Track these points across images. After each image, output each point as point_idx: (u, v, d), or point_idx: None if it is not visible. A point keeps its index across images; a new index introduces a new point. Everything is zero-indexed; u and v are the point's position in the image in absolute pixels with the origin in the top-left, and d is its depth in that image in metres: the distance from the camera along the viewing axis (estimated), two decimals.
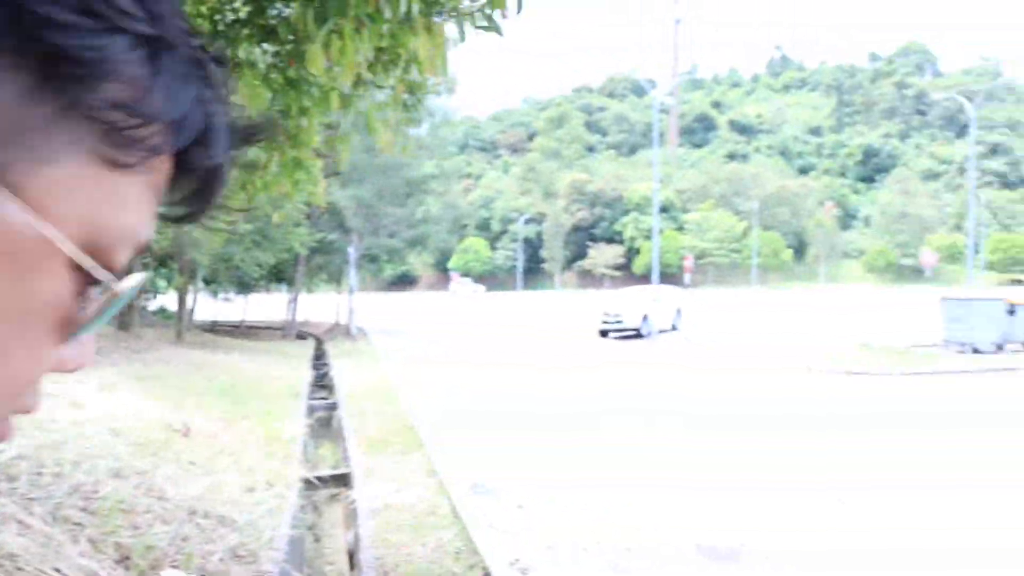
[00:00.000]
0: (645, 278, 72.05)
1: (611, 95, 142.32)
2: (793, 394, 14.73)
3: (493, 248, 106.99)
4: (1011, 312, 21.34)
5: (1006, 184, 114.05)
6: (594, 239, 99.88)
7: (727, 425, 10.99)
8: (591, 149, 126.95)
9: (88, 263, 0.40)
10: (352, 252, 31.58)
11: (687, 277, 32.16)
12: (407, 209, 33.89)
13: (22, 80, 0.35)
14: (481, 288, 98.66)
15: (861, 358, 19.36)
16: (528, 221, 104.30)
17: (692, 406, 12.91)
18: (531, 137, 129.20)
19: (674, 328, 30.65)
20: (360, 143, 29.21)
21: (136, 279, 0.43)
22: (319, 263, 32.75)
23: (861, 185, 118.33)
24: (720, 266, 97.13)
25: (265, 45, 4.07)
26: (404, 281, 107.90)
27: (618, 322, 28.80)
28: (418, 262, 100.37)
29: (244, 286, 32.94)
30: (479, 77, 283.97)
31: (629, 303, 29.79)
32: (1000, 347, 21.32)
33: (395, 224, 33.51)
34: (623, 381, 16.21)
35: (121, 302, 0.42)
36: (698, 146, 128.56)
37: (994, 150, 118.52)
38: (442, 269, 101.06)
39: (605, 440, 9.77)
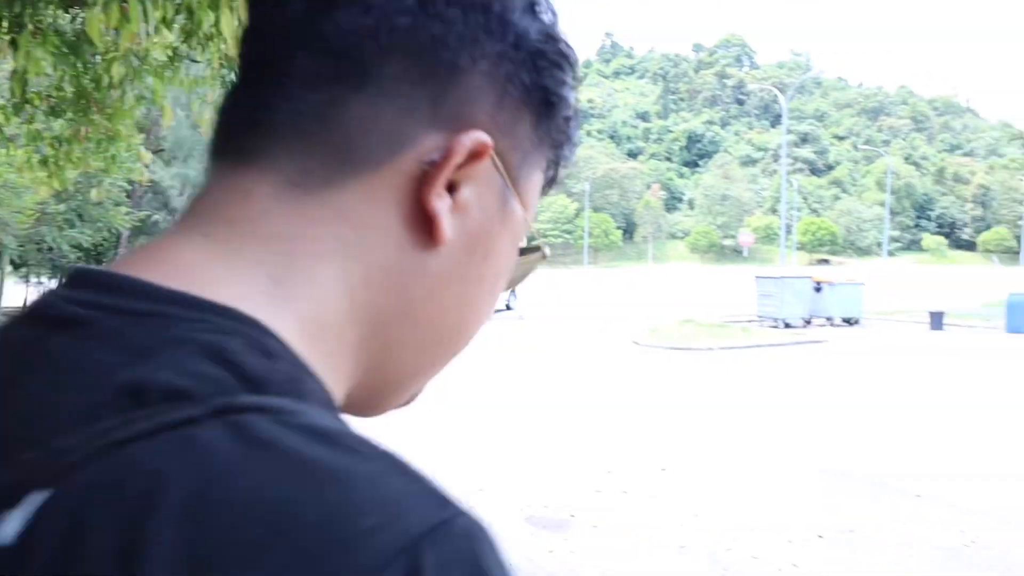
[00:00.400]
0: None
1: None
2: (620, 368, 15.32)
3: None
4: (817, 289, 23.03)
5: (814, 171, 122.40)
6: None
7: (555, 403, 11.32)
8: None
9: (540, 241, 0.64)
10: None
11: None
12: None
13: (529, 119, 0.48)
14: None
15: (684, 333, 20.34)
16: None
17: (522, 383, 13.19)
18: None
19: (508, 307, 31.00)
20: (186, 119, 27.93)
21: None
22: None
23: (685, 169, 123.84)
24: (553, 246, 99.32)
25: (74, 10, 3.84)
26: None
27: None
28: None
29: (59, 269, 30.84)
30: None
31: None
32: (808, 321, 22.96)
33: None
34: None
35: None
36: None
37: (804, 139, 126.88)
38: None
39: (425, 418, 9.84)
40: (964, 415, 10.48)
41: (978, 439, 9.11)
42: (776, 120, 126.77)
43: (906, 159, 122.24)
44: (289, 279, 0.43)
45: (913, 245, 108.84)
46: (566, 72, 0.51)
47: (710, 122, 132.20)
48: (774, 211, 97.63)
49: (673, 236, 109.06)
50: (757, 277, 24.45)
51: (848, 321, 23.30)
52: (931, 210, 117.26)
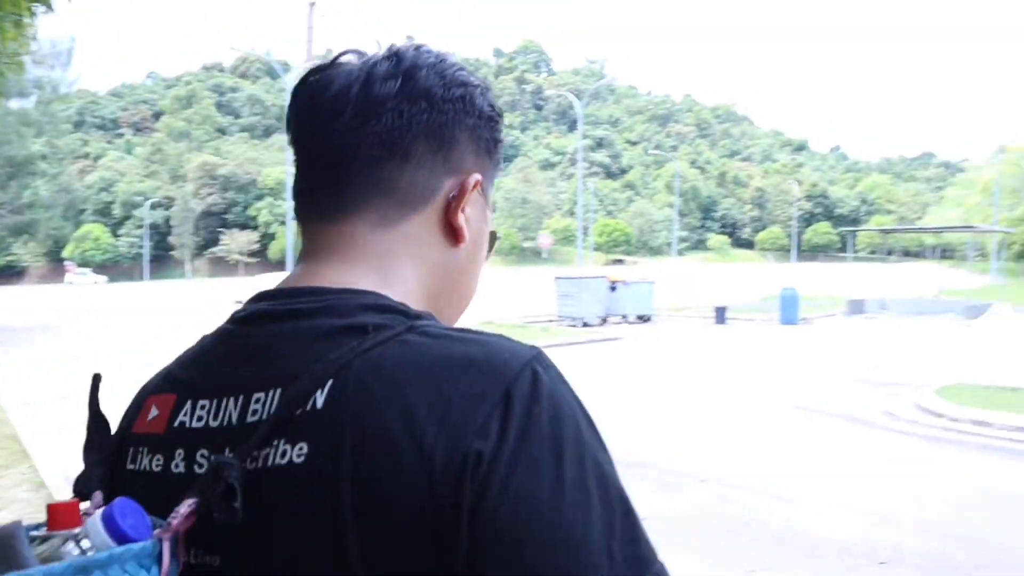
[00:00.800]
0: (281, 264, 70.74)
1: (244, 76, 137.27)
2: None
3: (115, 235, 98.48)
4: (612, 289, 24.05)
5: (609, 174, 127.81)
6: (227, 225, 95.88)
7: None
8: (223, 131, 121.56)
9: (496, 235, 0.91)
10: None
11: None
12: (9, 192, 30.19)
13: (489, 158, 0.85)
14: (102, 279, 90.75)
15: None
16: (155, 206, 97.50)
17: None
18: (157, 116, 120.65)
19: None
20: None
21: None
22: None
23: None
24: None
25: None
26: (10, 273, 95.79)
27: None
28: (26, 252, 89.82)
29: None
30: (98, 48, 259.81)
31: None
32: (604, 319, 23.93)
33: None
34: None
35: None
36: None
37: (600, 143, 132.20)
38: (57, 259, 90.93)
39: None
40: (744, 403, 11.32)
41: (758, 426, 9.86)
42: (573, 125, 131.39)
43: (692, 163, 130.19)
44: (389, 278, 0.77)
45: (700, 244, 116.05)
46: (501, 124, 0.85)
47: (510, 127, 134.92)
48: (572, 213, 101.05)
49: None
50: (556, 278, 25.25)
51: (641, 318, 24.50)
52: (715, 211, 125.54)
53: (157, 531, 0.61)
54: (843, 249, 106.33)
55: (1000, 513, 6.22)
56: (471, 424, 0.61)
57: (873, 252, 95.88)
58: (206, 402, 0.71)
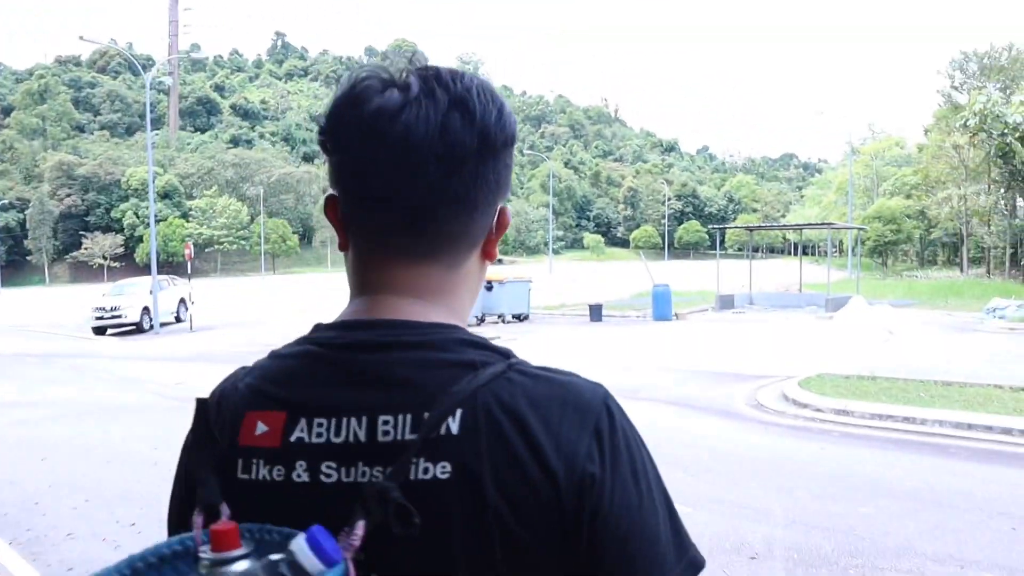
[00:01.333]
0: (148, 268, 67.20)
1: (103, 71, 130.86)
2: None
3: None
4: (489, 288, 23.97)
5: None
6: (89, 227, 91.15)
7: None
8: (81, 128, 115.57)
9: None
10: None
11: (189, 265, 30.76)
12: None
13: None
14: None
15: None
16: (5, 207, 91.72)
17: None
18: (7, 112, 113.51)
19: (178, 319, 29.29)
20: None
21: None
22: None
23: None
24: (229, 253, 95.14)
25: None
26: None
27: (115, 316, 26.79)
28: None
29: None
30: None
31: (127, 296, 27.87)
32: (481, 319, 23.83)
33: None
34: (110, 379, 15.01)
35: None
36: (201, 130, 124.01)
37: None
38: None
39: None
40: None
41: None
42: None
43: (566, 164, 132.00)
44: (455, 310, 0.90)
45: (576, 243, 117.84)
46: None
47: None
48: None
49: None
50: None
51: (518, 317, 24.54)
52: (590, 211, 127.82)
53: (346, 553, 0.69)
54: (713, 247, 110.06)
55: (864, 501, 6.38)
56: (580, 452, 0.78)
57: (740, 249, 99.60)
58: (323, 420, 0.80)
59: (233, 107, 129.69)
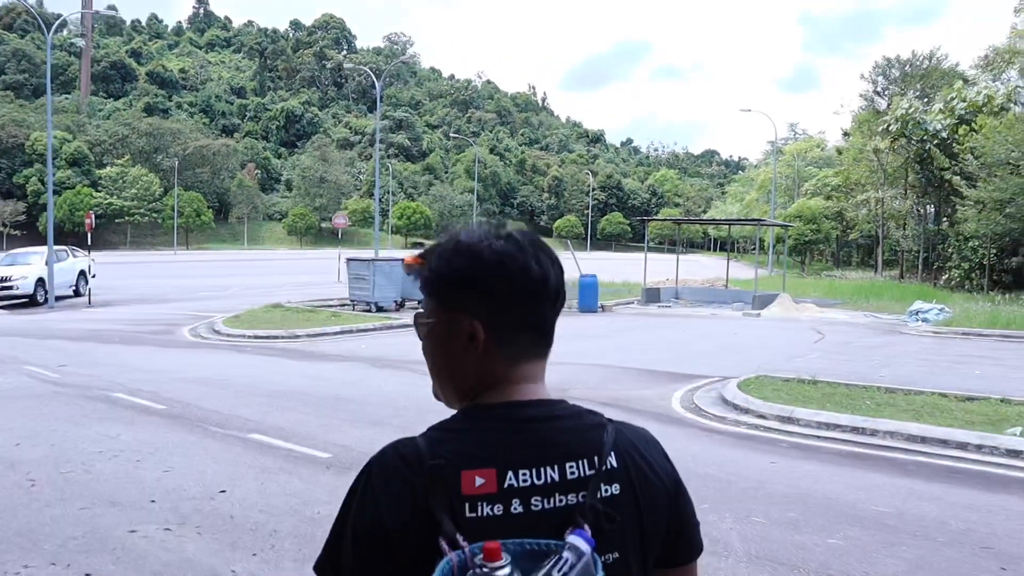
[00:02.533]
0: (58, 238, 63.66)
1: (9, 28, 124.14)
2: (167, 363, 13.76)
3: None
4: (409, 272, 22.92)
5: (409, 157, 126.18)
6: None
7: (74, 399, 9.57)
8: None
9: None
10: None
11: (89, 236, 28.93)
12: None
13: None
14: None
15: (271, 318, 19.02)
16: None
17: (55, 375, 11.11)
18: None
19: (77, 293, 27.51)
20: None
21: None
22: None
23: (283, 149, 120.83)
24: (140, 225, 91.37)
25: None
26: None
27: (8, 288, 24.96)
28: None
29: None
30: None
31: (20, 266, 26.00)
32: (401, 304, 22.77)
33: None
34: None
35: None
36: (115, 96, 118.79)
37: (400, 125, 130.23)
38: None
39: None
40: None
41: None
42: (374, 106, 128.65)
43: (491, 150, 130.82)
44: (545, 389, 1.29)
45: None
46: None
47: (308, 103, 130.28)
48: (371, 195, 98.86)
49: (270, 217, 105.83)
50: (348, 260, 23.80)
51: None
52: (514, 198, 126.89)
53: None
54: (635, 239, 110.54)
55: (830, 529, 5.66)
56: (667, 467, 1.30)
57: (662, 242, 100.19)
58: (527, 471, 1.17)
59: (150, 74, 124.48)
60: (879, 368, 13.55)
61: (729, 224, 42.39)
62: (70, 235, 69.09)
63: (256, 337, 16.47)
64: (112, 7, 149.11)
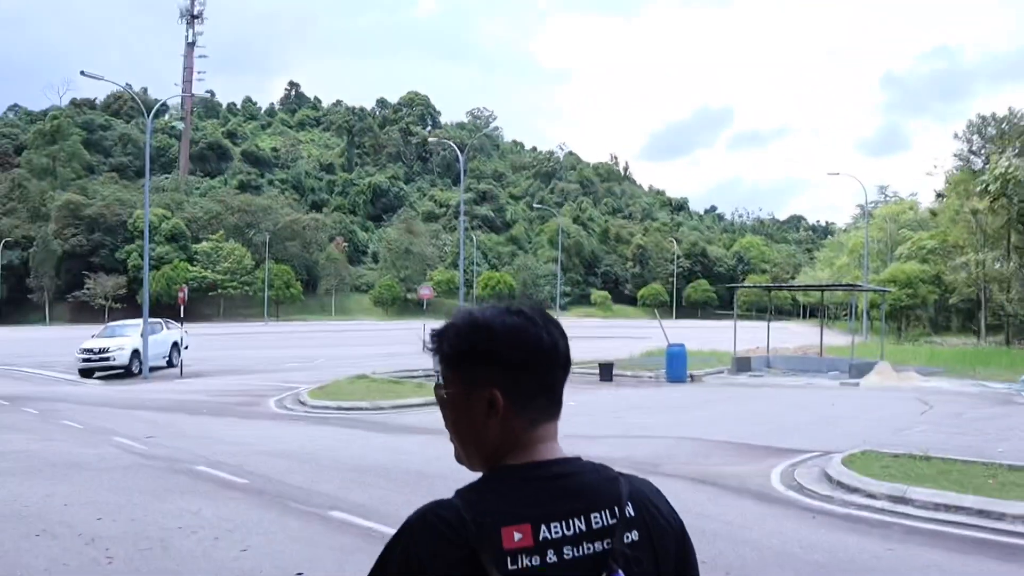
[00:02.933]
0: (154, 310, 65.67)
1: (116, 114, 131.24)
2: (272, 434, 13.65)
3: None
4: None
5: (493, 228, 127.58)
6: (92, 267, 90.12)
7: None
8: (92, 170, 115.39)
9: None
10: None
11: (182, 309, 29.64)
12: None
13: None
14: None
15: (356, 390, 18.95)
16: (10, 245, 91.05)
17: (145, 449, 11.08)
18: (19, 151, 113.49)
19: (170, 364, 28.12)
20: None
21: None
22: None
23: (370, 223, 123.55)
24: (232, 298, 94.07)
25: None
26: None
27: (104, 359, 25.69)
28: None
29: None
30: None
31: (117, 338, 26.79)
32: None
33: None
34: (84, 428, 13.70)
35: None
36: (211, 175, 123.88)
37: (484, 197, 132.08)
38: None
39: None
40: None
41: None
42: (458, 179, 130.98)
43: (575, 220, 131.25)
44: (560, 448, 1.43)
45: (583, 299, 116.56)
46: None
47: (395, 177, 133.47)
48: (456, 266, 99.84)
49: (357, 289, 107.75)
50: (431, 330, 23.77)
51: None
52: (598, 267, 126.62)
53: None
54: (721, 306, 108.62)
55: None
56: (674, 516, 1.44)
57: (749, 309, 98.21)
58: (557, 524, 1.31)
59: (244, 154, 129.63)
60: (996, 442, 12.59)
61: (822, 289, 41.10)
62: (167, 308, 71.37)
63: (340, 409, 16.38)
64: (210, 91, 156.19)
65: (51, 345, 34.79)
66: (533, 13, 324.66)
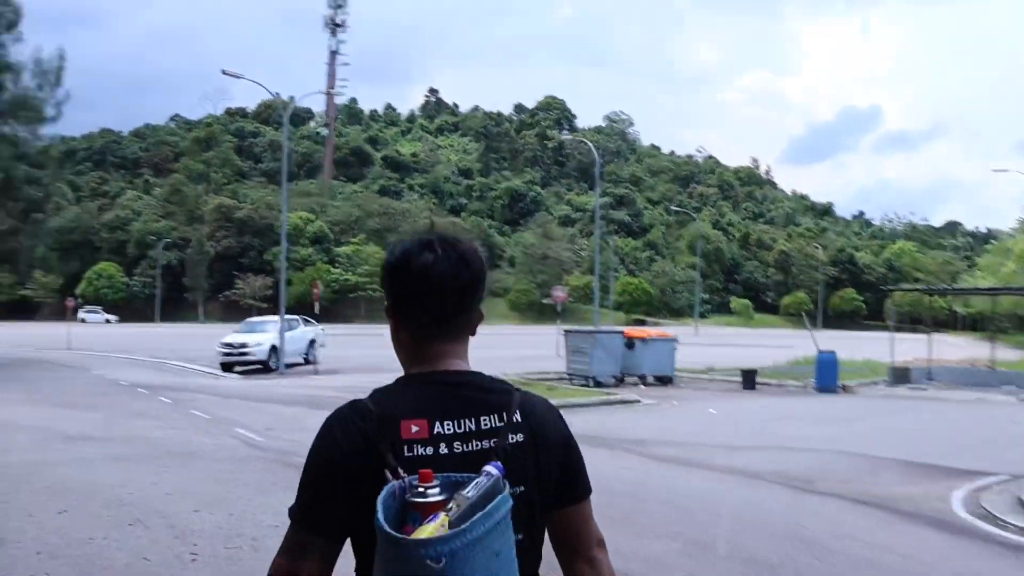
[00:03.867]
0: (296, 310, 67.78)
1: (266, 121, 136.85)
2: None
3: (129, 274, 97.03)
4: (629, 346, 21.57)
5: (631, 233, 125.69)
6: (241, 268, 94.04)
7: None
8: (243, 175, 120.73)
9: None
10: None
11: (317, 306, 29.93)
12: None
13: None
14: (114, 318, 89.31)
15: None
16: (168, 246, 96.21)
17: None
18: (177, 157, 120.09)
19: (307, 361, 28.36)
20: None
21: None
22: None
23: (507, 227, 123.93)
24: (372, 299, 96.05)
25: None
26: (25, 308, 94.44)
27: (243, 354, 26.10)
28: (39, 288, 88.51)
29: None
30: (118, 89, 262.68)
31: (256, 334, 27.22)
32: (620, 379, 21.43)
33: None
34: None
35: None
36: (353, 180, 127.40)
37: (620, 201, 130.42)
38: (71, 296, 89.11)
39: None
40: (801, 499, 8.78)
41: (826, 526, 7.30)
42: (594, 183, 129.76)
43: (714, 225, 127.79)
44: (468, 360, 1.65)
45: (722, 307, 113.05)
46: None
47: (531, 182, 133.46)
48: (592, 271, 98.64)
49: (494, 294, 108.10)
50: (566, 332, 22.80)
51: (661, 379, 22.00)
52: (738, 274, 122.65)
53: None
54: (869, 316, 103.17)
55: None
56: (563, 427, 1.64)
57: (901, 320, 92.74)
58: (450, 422, 1.51)
59: (384, 159, 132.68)
60: None
61: (995, 294, 37.75)
62: (310, 308, 73.51)
63: None
64: (353, 99, 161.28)
65: (201, 341, 35.96)
66: (670, 17, 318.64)
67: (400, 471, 1.41)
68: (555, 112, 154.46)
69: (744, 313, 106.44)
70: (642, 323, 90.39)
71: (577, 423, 12.75)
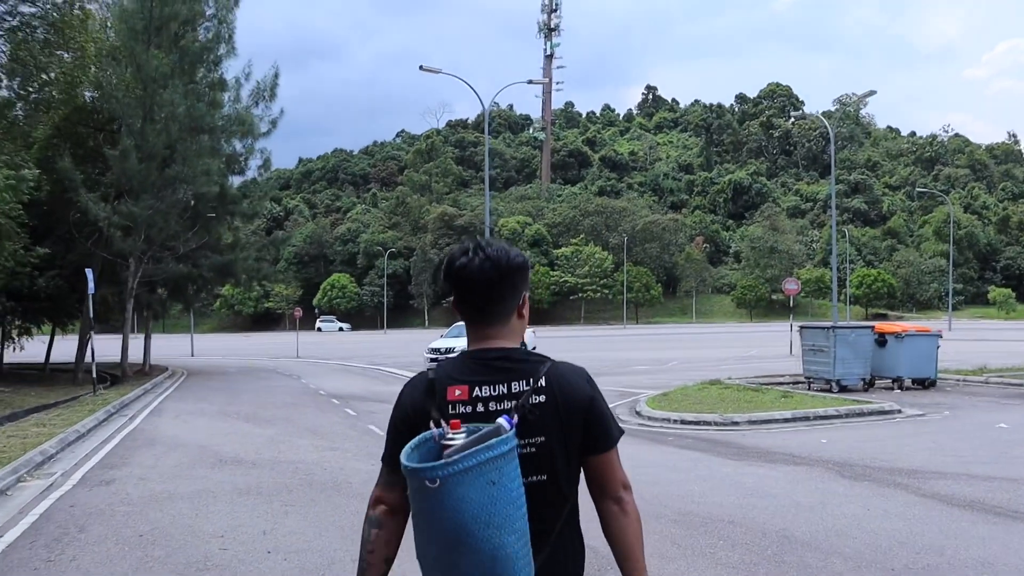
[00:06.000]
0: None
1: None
2: None
3: (360, 284, 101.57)
4: (881, 343, 18.14)
5: (867, 221, 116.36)
6: None
7: None
8: (464, 184, 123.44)
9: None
10: (131, 279, 26.37)
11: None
12: (205, 233, 29.01)
13: None
14: (347, 326, 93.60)
15: (705, 398, 15.65)
16: (394, 256, 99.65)
17: None
18: (402, 170, 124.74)
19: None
20: (133, 146, 24.28)
21: None
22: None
23: (731, 221, 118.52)
24: (592, 301, 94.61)
25: None
26: (268, 319, 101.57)
27: (449, 357, 24.86)
28: (282, 298, 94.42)
29: None
30: (353, 114, 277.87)
31: (463, 338, 25.95)
32: (869, 383, 18.07)
33: (193, 250, 28.50)
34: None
35: None
36: (571, 182, 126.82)
37: (855, 189, 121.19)
38: (308, 306, 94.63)
39: None
40: None
41: None
42: (825, 170, 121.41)
43: (966, 208, 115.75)
44: (514, 340, 2.07)
45: (977, 298, 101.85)
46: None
47: (756, 173, 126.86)
48: (825, 263, 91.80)
49: (719, 291, 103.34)
50: (802, 327, 19.53)
51: (921, 383, 18.35)
52: (996, 261, 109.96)
53: (514, 422, 1.82)
54: None
55: None
56: (588, 390, 2.00)
57: None
58: (487, 387, 1.93)
59: (602, 159, 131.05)
60: None
61: None
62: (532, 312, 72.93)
63: (682, 422, 13.21)
64: (569, 103, 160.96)
65: (421, 346, 35.73)
66: None
67: (442, 422, 1.83)
68: (780, 99, 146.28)
69: (1005, 304, 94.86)
70: (883, 317, 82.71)
71: (819, 443, 9.59)
